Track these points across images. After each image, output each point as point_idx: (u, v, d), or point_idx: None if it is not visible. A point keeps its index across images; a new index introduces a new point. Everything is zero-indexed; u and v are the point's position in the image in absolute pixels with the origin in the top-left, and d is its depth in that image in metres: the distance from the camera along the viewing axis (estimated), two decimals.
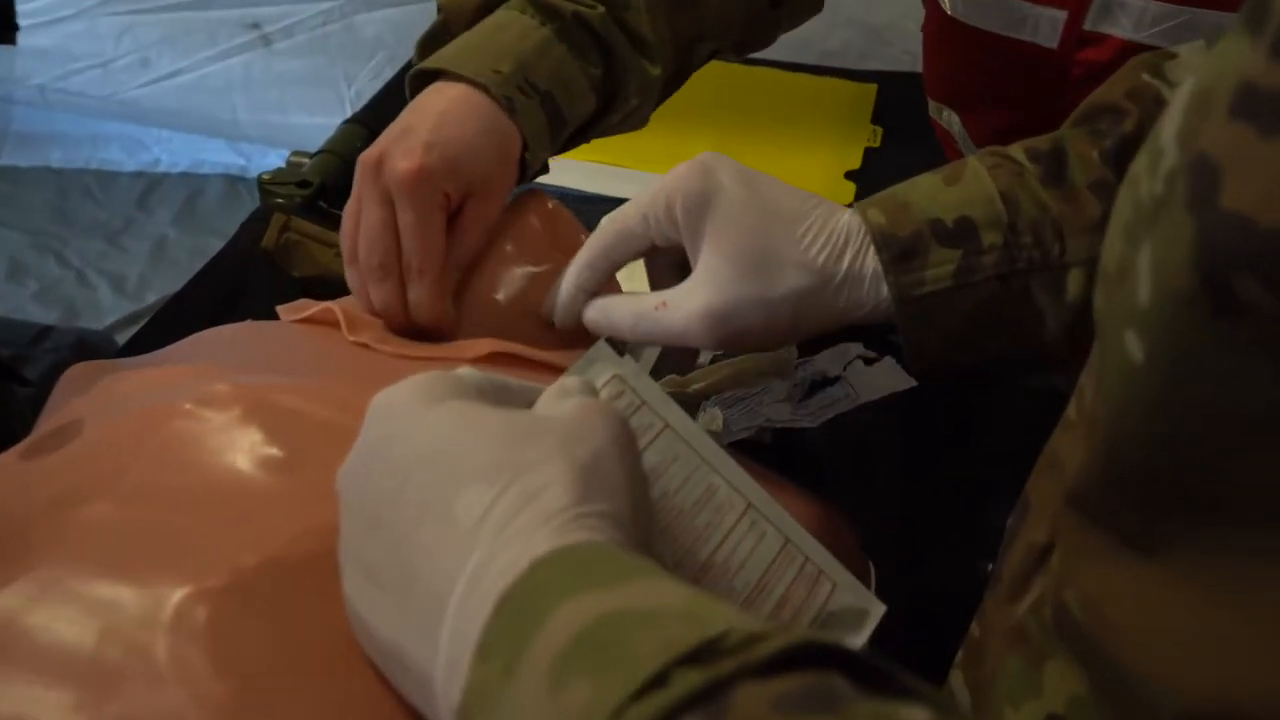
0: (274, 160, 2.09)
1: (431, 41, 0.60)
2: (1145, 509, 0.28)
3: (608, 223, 0.50)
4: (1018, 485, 0.74)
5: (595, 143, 0.95)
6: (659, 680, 0.23)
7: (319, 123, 1.97)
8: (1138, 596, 0.28)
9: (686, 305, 0.47)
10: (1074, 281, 0.46)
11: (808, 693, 0.22)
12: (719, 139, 0.99)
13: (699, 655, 0.23)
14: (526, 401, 0.35)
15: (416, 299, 0.51)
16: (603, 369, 0.39)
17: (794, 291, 0.47)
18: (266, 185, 0.86)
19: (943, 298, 0.47)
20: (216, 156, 2.16)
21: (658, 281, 0.52)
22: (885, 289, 0.47)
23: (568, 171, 0.92)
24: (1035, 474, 0.39)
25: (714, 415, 0.68)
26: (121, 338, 1.68)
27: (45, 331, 1.50)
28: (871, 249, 0.47)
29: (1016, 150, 0.49)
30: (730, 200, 0.47)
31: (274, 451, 0.38)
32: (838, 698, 0.22)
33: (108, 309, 1.83)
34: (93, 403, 0.44)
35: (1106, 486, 0.30)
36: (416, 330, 0.52)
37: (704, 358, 0.68)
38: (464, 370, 0.34)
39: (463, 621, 0.27)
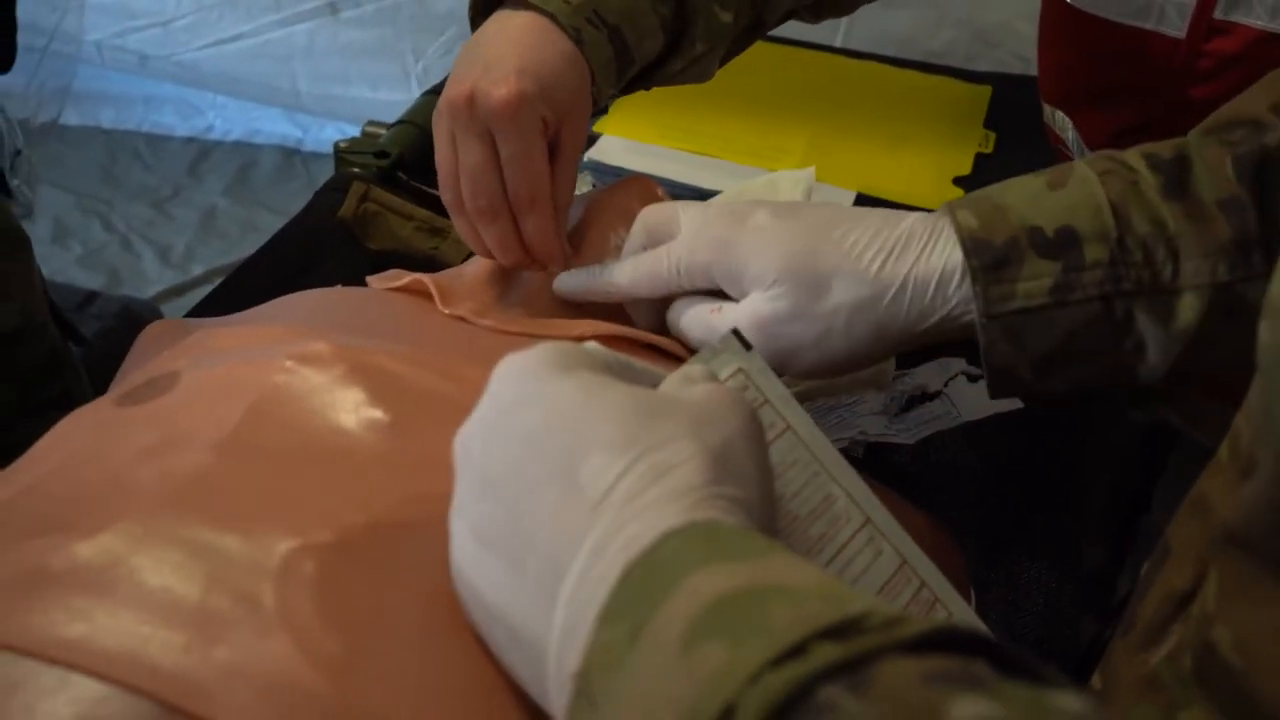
0: (331, 133, 2.14)
1: None
2: None
3: (639, 261, 0.50)
4: (1115, 529, 0.74)
5: (693, 133, 0.97)
6: (798, 650, 0.24)
7: (382, 97, 2.01)
8: None
9: (732, 315, 0.47)
10: (1186, 308, 0.44)
11: (956, 672, 0.23)
12: (818, 134, 1.00)
13: (840, 631, 0.24)
14: (651, 383, 0.36)
15: (533, 231, 0.52)
16: (728, 360, 0.40)
17: (845, 304, 0.46)
18: (344, 154, 0.89)
19: (1034, 316, 0.45)
20: (272, 126, 2.21)
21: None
22: (954, 296, 0.45)
23: (662, 160, 0.94)
24: (1178, 519, 0.39)
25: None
26: (166, 308, 1.73)
27: (91, 297, 1.56)
28: (940, 248, 0.45)
29: (1134, 156, 0.47)
30: (763, 229, 0.47)
31: (378, 414, 0.40)
32: (987, 678, 0.23)
33: (152, 278, 1.88)
34: (186, 356, 0.46)
35: (1274, 523, 0.30)
36: (533, 268, 0.54)
37: None
38: (592, 345, 0.36)
39: (585, 588, 0.29)
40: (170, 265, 1.92)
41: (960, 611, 0.41)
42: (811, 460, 0.40)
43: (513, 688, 0.32)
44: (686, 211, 0.50)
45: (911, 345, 0.48)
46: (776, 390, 0.40)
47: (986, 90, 1.08)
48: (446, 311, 0.51)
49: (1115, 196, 0.45)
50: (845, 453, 0.69)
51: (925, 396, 0.71)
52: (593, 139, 0.98)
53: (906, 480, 0.71)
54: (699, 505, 0.29)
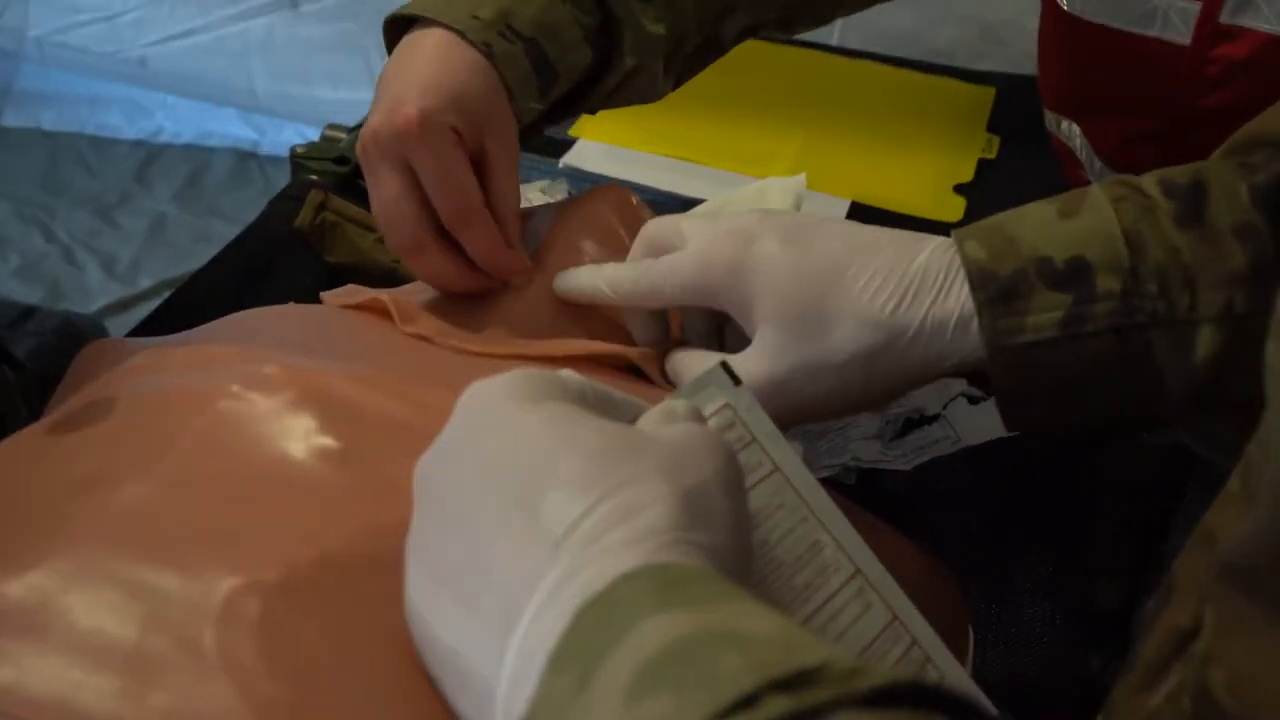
0: (289, 135, 2.14)
1: None
2: None
3: (643, 273, 0.51)
4: (1129, 561, 0.75)
5: (676, 137, 0.98)
6: (748, 702, 0.24)
7: (343, 97, 2.01)
8: None
9: (741, 370, 0.47)
10: (1204, 339, 0.46)
11: None
12: (810, 138, 1.01)
13: (794, 683, 0.25)
14: (629, 416, 0.37)
15: (476, 247, 0.53)
16: (714, 395, 0.40)
17: (859, 352, 0.47)
18: (300, 159, 0.89)
19: (1044, 350, 0.46)
20: (225, 128, 2.21)
21: (690, 330, 0.54)
22: (974, 339, 0.46)
23: (643, 166, 0.95)
24: (1185, 552, 0.39)
25: (795, 449, 0.70)
26: (111, 323, 1.73)
27: (29, 312, 1.55)
28: (956, 289, 0.47)
29: (1149, 182, 0.48)
30: (774, 264, 0.48)
31: (330, 442, 0.40)
32: None
33: (96, 291, 1.89)
34: (124, 381, 0.46)
35: (1274, 554, 0.30)
36: (493, 286, 0.55)
37: None
38: (566, 373, 0.36)
39: (537, 632, 0.29)
40: (115, 278, 1.92)
41: (953, 672, 0.41)
42: (799, 504, 0.40)
43: None
44: (691, 225, 0.51)
45: (931, 381, 0.49)
46: (765, 428, 0.40)
47: (990, 91, 1.09)
48: (407, 331, 0.51)
49: (1129, 224, 0.46)
50: (837, 480, 0.70)
51: (923, 420, 0.72)
52: (569, 143, 0.98)
53: (902, 508, 0.71)
54: (662, 550, 0.30)
